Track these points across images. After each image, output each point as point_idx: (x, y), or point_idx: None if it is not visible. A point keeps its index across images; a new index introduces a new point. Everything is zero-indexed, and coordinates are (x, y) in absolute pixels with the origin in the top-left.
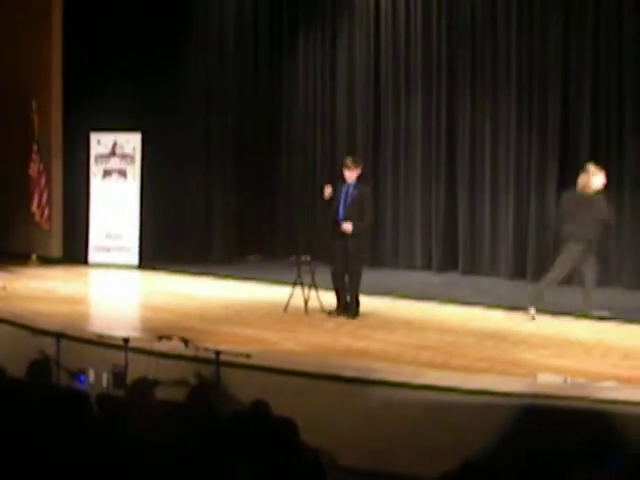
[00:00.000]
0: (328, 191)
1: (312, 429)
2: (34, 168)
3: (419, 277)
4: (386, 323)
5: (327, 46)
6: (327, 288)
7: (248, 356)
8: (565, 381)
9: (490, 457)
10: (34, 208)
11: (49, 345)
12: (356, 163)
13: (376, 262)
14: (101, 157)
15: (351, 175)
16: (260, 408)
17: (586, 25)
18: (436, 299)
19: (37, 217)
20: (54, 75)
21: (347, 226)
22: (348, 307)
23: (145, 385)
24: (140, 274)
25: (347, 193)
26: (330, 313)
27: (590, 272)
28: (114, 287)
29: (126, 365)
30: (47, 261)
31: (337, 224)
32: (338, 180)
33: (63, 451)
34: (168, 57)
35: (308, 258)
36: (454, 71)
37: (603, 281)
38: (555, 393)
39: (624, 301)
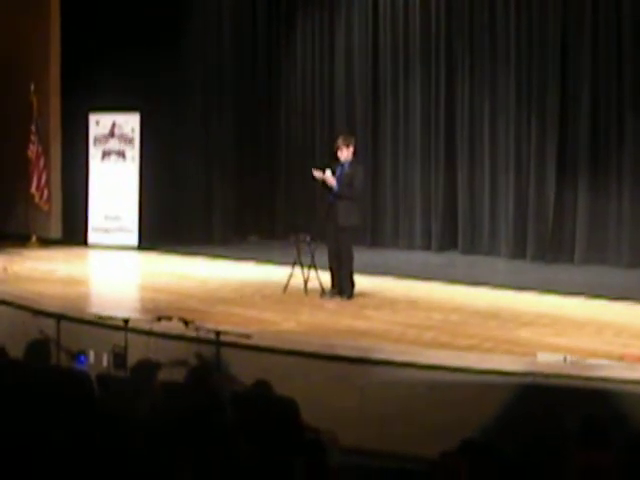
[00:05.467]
0: (318, 174)
1: (312, 409)
2: (33, 150)
3: (419, 257)
4: (387, 303)
5: (325, 26)
6: (327, 268)
7: (248, 336)
8: (565, 360)
9: (489, 436)
10: (33, 189)
11: (49, 326)
12: (347, 141)
13: (376, 242)
14: (100, 138)
15: (343, 154)
16: (262, 388)
17: (584, 4)
18: (436, 279)
19: (36, 198)
20: (53, 56)
21: (321, 175)
22: (342, 288)
23: (148, 366)
24: (139, 255)
25: (341, 173)
26: (323, 294)
27: None
28: (114, 268)
29: (126, 346)
30: (47, 242)
31: (330, 205)
32: (334, 162)
33: (65, 430)
34: (166, 37)
35: (308, 238)
36: (452, 51)
37: (602, 260)
38: (555, 372)
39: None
